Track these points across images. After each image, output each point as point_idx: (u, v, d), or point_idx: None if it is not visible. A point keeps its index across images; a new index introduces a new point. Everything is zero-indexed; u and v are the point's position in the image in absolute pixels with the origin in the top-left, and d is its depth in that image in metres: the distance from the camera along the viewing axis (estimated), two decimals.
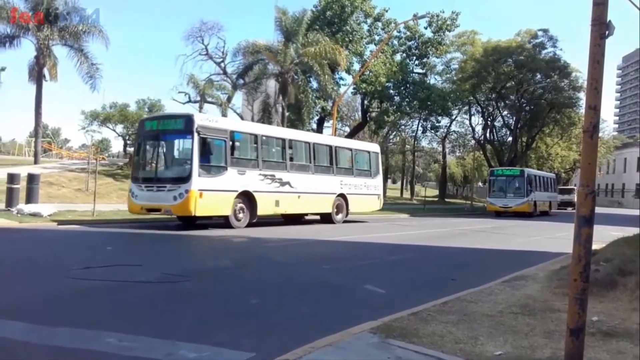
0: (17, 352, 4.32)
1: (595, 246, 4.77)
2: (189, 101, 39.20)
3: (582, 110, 29.37)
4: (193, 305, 6.21)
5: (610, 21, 3.90)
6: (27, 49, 26.76)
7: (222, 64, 39.96)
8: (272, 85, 35.29)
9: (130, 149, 31.85)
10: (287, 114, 33.56)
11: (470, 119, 55.61)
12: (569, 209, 50.13)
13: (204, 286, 7.42)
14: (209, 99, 37.30)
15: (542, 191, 36.76)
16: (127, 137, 29.69)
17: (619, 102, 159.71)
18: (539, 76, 46.94)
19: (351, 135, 47.85)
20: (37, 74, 27.49)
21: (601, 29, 3.90)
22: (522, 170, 35.53)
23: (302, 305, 6.51)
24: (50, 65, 27.66)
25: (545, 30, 46.36)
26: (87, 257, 9.63)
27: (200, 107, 35.24)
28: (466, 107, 52.08)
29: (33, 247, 10.58)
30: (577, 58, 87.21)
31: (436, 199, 54.64)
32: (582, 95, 43.56)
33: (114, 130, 28.86)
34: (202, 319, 5.61)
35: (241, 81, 35.61)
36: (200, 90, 35.69)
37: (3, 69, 55.56)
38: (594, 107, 3.93)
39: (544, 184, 38.68)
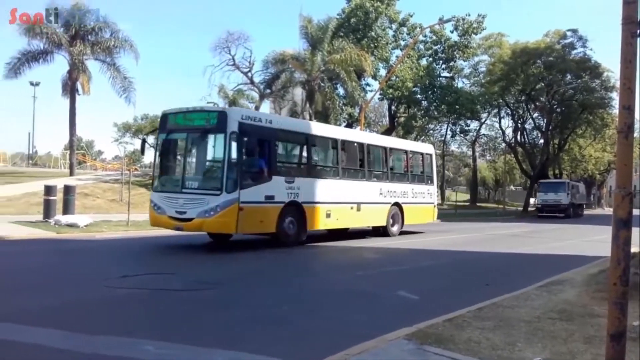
0: (53, 358, 4.42)
1: (635, 249, 4.67)
2: None
3: (616, 111, 27.59)
4: (226, 313, 6.27)
5: None
6: (59, 63, 27.92)
7: (250, 74, 40.41)
8: (299, 93, 35.42)
9: None
10: (314, 120, 33.69)
11: (500, 122, 54.89)
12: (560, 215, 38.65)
13: (236, 293, 7.48)
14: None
15: (342, 177, 15.15)
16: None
17: None
18: (569, 77, 46.07)
19: None
20: (70, 88, 28.17)
21: (632, 27, 3.83)
22: (224, 113, 12.50)
23: (335, 311, 6.51)
24: (84, 79, 28.33)
25: (574, 31, 45.54)
26: (123, 266, 9.81)
27: None
28: (495, 110, 51.43)
29: (71, 257, 10.82)
30: (608, 58, 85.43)
31: (467, 204, 54.05)
32: (615, 96, 42.58)
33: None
34: (235, 325, 5.65)
35: (268, 90, 35.87)
36: (229, 100, 36.10)
37: (37, 84, 57.54)
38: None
39: (369, 160, 16.82)
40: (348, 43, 32.75)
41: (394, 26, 39.24)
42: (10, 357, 4.44)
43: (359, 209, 15.47)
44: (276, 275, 9.51)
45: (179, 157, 13.26)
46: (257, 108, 38.17)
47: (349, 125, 40.23)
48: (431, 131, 55.71)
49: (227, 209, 11.56)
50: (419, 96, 40.12)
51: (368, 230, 17.01)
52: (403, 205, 17.38)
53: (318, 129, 15.87)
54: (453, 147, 61.82)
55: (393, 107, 43.09)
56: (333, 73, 31.87)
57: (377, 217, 16.47)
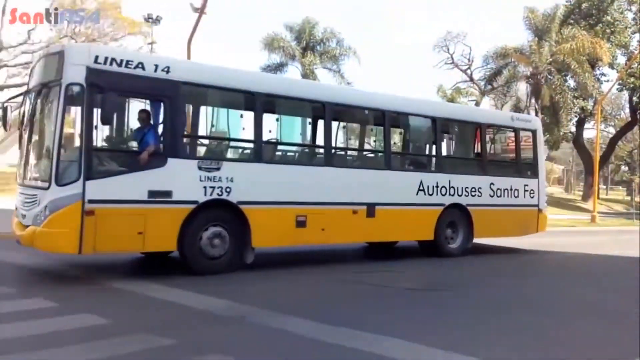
0: (306, 347, 4.74)
1: None
2: None
3: None
4: (461, 316, 6.15)
5: None
6: (292, 74, 31.14)
7: (469, 71, 39.72)
8: (522, 88, 34.00)
9: None
10: (540, 116, 31.73)
11: None
12: None
13: (469, 297, 7.34)
14: None
15: (332, 163, 9.26)
16: None
17: None
18: None
19: (618, 137, 42.84)
20: None
21: None
22: (61, 53, 7.11)
23: (581, 324, 5.99)
24: None
25: None
26: (354, 261, 10.41)
27: None
28: None
29: None
30: None
31: None
32: None
33: None
34: (472, 330, 5.53)
35: (489, 86, 34.98)
36: (447, 99, 36.02)
37: None
38: None
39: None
40: (579, 30, 30.42)
41: (633, 8, 35.33)
42: (263, 340, 4.91)
43: (371, 214, 9.40)
44: (505, 281, 9.10)
45: (29, 130, 7.85)
46: (477, 104, 37.24)
47: (581, 120, 37.01)
48: None
49: (59, 212, 6.70)
50: None
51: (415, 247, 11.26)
52: (471, 209, 10.84)
53: (278, 84, 9.92)
54: None
55: (635, 98, 38.46)
56: (562, 64, 29.90)
57: (415, 228, 10.23)
